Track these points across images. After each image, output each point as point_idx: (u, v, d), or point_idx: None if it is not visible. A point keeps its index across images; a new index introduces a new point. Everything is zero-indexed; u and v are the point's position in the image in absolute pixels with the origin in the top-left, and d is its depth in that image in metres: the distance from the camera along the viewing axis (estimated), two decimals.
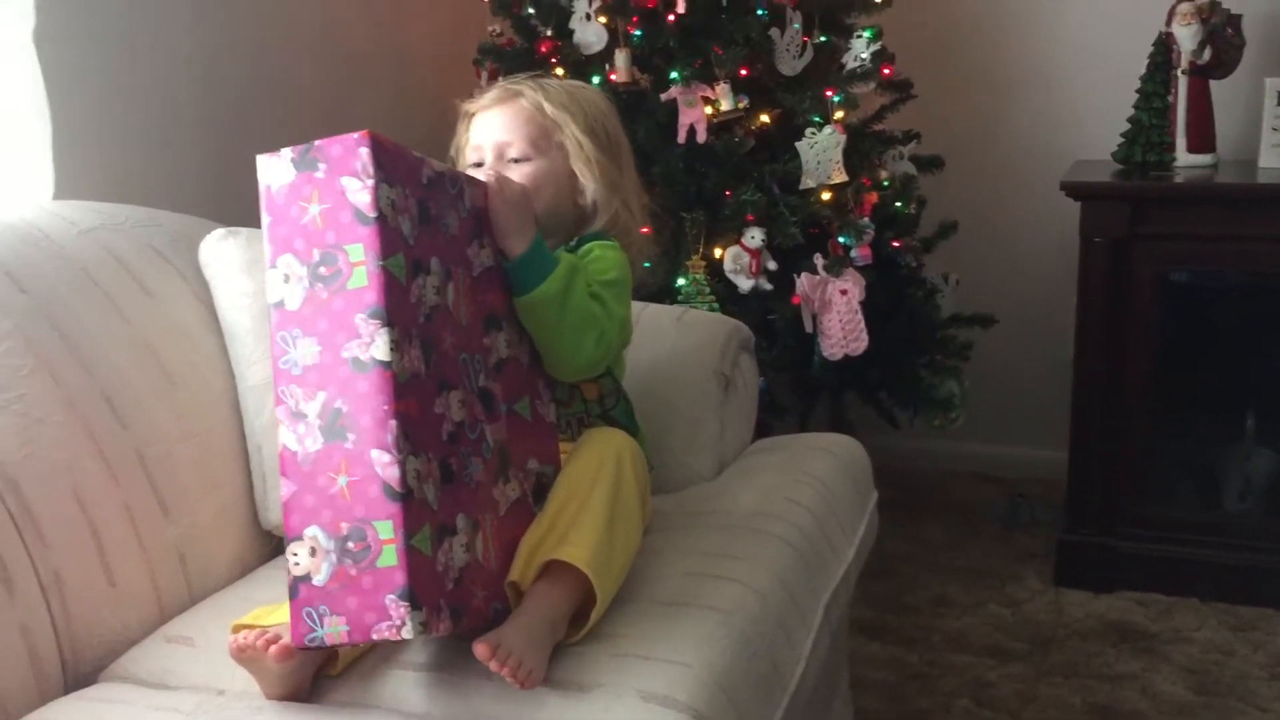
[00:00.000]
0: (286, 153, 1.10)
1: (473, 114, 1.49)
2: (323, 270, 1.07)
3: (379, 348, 1.05)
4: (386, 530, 1.03)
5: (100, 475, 1.34)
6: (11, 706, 1.19)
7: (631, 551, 1.30)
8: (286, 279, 1.09)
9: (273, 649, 1.12)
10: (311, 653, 1.15)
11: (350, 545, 1.04)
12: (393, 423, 1.04)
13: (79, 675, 1.29)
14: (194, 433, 1.47)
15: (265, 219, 1.11)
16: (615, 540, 1.25)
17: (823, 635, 1.42)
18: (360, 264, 1.06)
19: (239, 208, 1.89)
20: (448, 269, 1.16)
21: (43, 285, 1.39)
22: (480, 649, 1.09)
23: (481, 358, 1.21)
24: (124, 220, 1.58)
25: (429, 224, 1.14)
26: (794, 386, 2.57)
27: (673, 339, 1.75)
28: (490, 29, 2.58)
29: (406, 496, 1.04)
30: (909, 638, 2.27)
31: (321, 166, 1.08)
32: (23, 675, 1.21)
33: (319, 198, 1.08)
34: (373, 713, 1.15)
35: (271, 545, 1.56)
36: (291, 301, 1.09)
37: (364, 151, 1.07)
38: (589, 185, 1.45)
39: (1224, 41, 2.45)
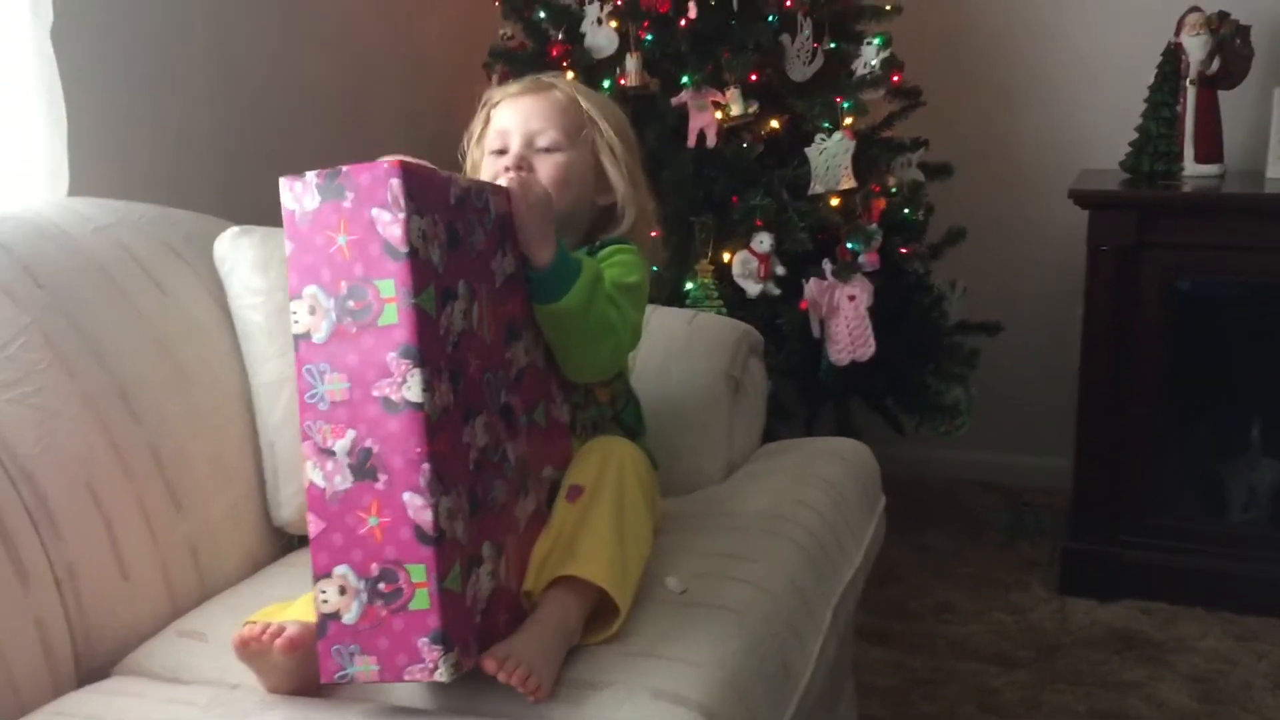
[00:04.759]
0: (311, 177, 1.06)
1: (498, 101, 1.46)
2: (351, 304, 1.04)
3: (411, 389, 1.02)
4: (419, 574, 1.02)
5: (114, 470, 1.34)
6: (26, 698, 1.19)
7: (644, 555, 1.29)
8: (312, 310, 1.05)
9: (279, 641, 1.12)
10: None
11: (381, 586, 1.03)
12: (425, 465, 1.02)
13: (92, 669, 1.29)
14: (207, 429, 1.48)
15: (288, 245, 1.07)
16: (627, 548, 1.24)
17: (831, 637, 1.42)
18: (391, 300, 1.03)
19: (252, 206, 1.90)
20: (473, 289, 1.13)
21: (59, 280, 1.40)
22: (488, 664, 1.08)
23: (504, 372, 1.19)
24: (139, 218, 1.59)
25: (457, 247, 1.11)
26: (800, 392, 2.58)
27: (683, 342, 1.75)
28: (501, 32, 2.59)
29: (439, 540, 1.03)
30: (913, 644, 2.27)
31: (349, 195, 1.04)
32: (36, 667, 1.21)
33: (346, 227, 1.04)
34: (383, 708, 1.15)
35: (282, 542, 1.57)
36: (318, 334, 1.05)
37: (395, 183, 1.03)
38: (618, 184, 1.44)
39: (1232, 52, 2.46)
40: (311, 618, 1.09)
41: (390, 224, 1.03)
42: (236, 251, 1.58)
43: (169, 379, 1.45)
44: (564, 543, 1.21)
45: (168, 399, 1.44)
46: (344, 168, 1.05)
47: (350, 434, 1.04)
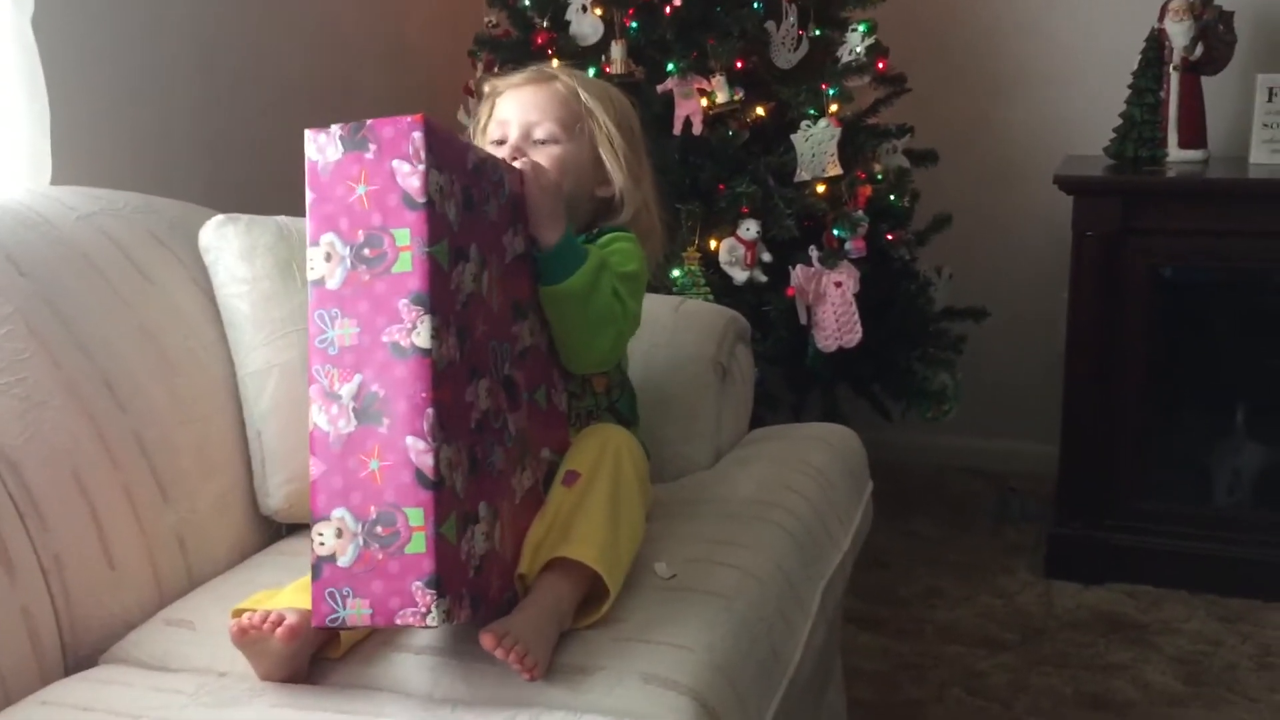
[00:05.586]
0: (336, 129, 1.09)
1: (500, 91, 1.48)
2: (366, 252, 1.07)
3: (420, 335, 1.05)
4: (417, 517, 1.03)
5: (100, 459, 1.34)
6: (12, 687, 1.19)
7: (636, 541, 1.30)
8: (328, 257, 1.08)
9: (279, 630, 1.12)
10: (312, 635, 1.15)
11: (379, 529, 1.04)
12: (429, 411, 1.04)
13: (79, 657, 1.29)
14: (193, 418, 1.47)
15: (309, 195, 1.09)
16: (620, 534, 1.25)
17: (820, 622, 1.42)
18: (406, 249, 1.05)
19: (234, 195, 1.90)
20: (484, 257, 1.16)
21: (43, 269, 1.39)
22: (486, 639, 1.09)
23: (509, 345, 1.21)
24: (122, 206, 1.58)
25: (472, 211, 1.14)
26: (787, 378, 2.58)
27: (670, 329, 1.75)
28: (486, 20, 2.58)
29: (439, 485, 1.04)
30: (901, 629, 2.28)
31: (372, 147, 1.07)
32: (23, 656, 1.21)
33: (367, 178, 1.07)
34: (374, 694, 1.15)
35: (270, 531, 1.56)
36: (332, 280, 1.08)
37: (417, 136, 1.06)
38: (616, 177, 1.45)
39: (1216, 38, 2.47)
40: (304, 604, 1.09)
41: (410, 175, 1.06)
42: (221, 240, 1.57)
43: (154, 368, 1.45)
44: (559, 527, 1.22)
45: (153, 388, 1.43)
46: (368, 121, 1.08)
47: (357, 378, 1.06)
